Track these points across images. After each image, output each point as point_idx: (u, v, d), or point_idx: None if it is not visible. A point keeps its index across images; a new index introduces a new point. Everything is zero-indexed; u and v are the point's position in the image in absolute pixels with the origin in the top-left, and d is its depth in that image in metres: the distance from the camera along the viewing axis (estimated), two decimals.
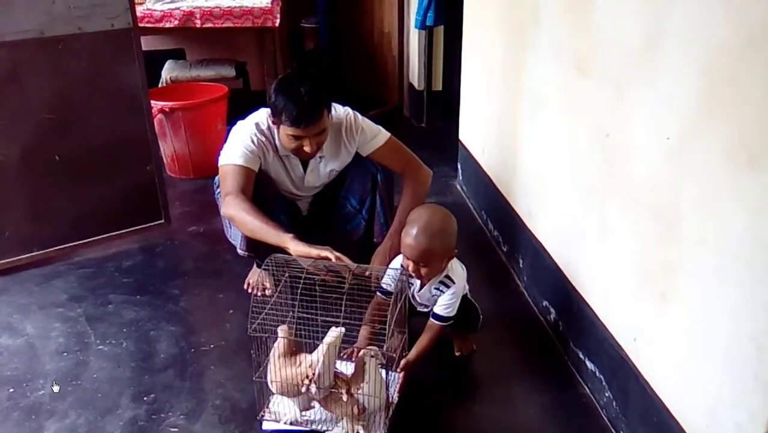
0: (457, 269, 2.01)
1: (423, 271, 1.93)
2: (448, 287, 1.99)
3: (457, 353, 2.16)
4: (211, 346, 2.20)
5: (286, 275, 1.87)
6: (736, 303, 1.32)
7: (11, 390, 2.01)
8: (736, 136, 1.28)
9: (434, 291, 2.01)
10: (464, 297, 2.07)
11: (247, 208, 2.09)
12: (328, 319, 1.82)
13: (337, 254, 1.89)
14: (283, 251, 1.96)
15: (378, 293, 2.02)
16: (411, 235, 1.89)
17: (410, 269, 1.93)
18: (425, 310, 2.06)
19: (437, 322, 2.00)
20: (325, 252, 1.89)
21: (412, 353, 1.98)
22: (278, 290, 1.87)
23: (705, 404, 1.45)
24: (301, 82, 2.13)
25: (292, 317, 1.84)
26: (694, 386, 1.48)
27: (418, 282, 2.02)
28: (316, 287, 1.89)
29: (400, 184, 2.43)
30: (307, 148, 2.17)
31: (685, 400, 1.52)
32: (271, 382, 1.78)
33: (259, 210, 2.08)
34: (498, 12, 2.72)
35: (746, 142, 1.26)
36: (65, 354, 2.17)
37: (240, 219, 2.11)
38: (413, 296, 2.06)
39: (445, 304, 1.99)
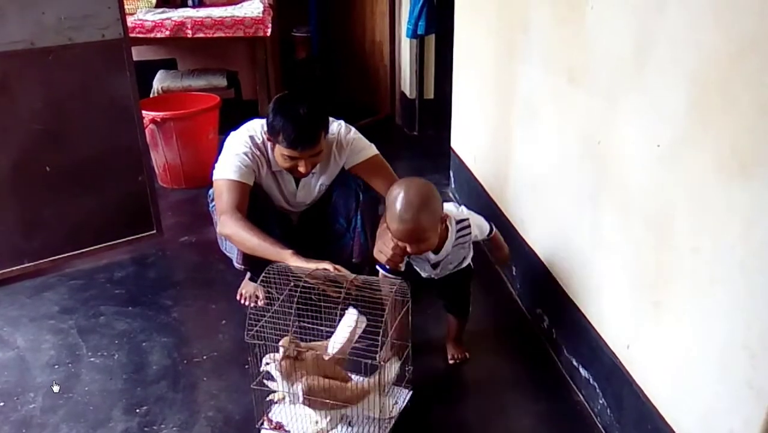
0: (451, 211, 1.97)
1: (421, 247, 1.85)
2: (466, 225, 1.98)
3: (450, 361, 2.15)
4: (204, 357, 2.19)
5: (291, 284, 1.86)
6: (729, 311, 1.32)
7: (1, 404, 1.99)
8: (727, 145, 1.29)
9: (458, 241, 1.96)
10: (466, 276, 2.09)
11: (243, 226, 2.07)
12: (323, 328, 1.81)
13: (337, 266, 1.89)
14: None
15: (379, 269, 1.98)
16: (395, 219, 1.79)
17: (408, 250, 1.86)
18: (450, 269, 2.03)
19: (493, 233, 2.06)
20: (325, 264, 1.89)
21: (502, 246, 2.10)
22: (281, 299, 1.86)
23: (699, 411, 1.45)
24: (300, 103, 2.11)
25: (289, 326, 1.82)
26: (688, 393, 1.49)
27: (430, 254, 1.96)
28: (313, 296, 1.89)
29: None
30: (301, 169, 2.16)
31: (680, 407, 1.52)
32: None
33: (255, 227, 2.07)
34: (489, 21, 2.73)
35: (737, 150, 1.26)
36: (56, 367, 2.15)
37: (238, 238, 2.10)
38: (428, 263, 2.00)
39: (478, 229, 2.01)
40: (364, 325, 1.79)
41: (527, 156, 2.38)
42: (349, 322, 1.79)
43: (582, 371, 1.98)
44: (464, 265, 2.07)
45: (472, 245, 2.06)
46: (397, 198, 1.80)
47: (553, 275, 2.18)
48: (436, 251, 1.96)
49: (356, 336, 1.79)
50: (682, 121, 1.43)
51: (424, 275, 2.05)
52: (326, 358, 1.79)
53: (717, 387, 1.38)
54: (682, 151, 1.44)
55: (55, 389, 2.05)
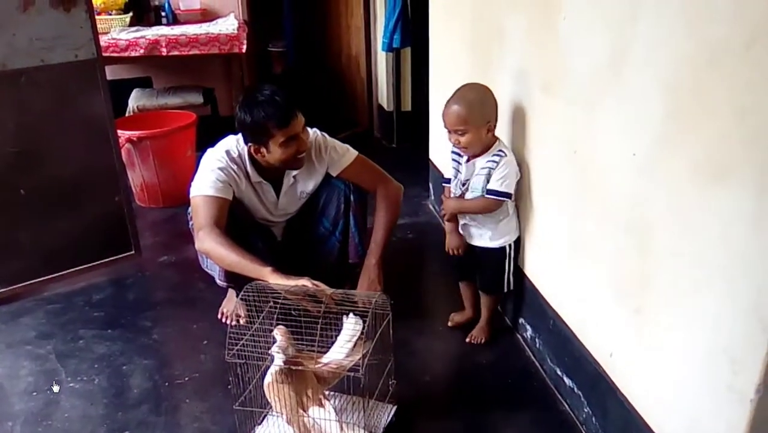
0: (508, 149, 2.10)
1: (462, 140, 2.02)
2: (500, 156, 2.05)
3: (467, 339, 2.27)
4: (186, 378, 2.16)
5: (270, 303, 1.84)
6: (710, 316, 1.33)
7: None
8: (702, 150, 1.30)
9: (488, 163, 2.06)
10: (501, 255, 2.18)
11: (222, 242, 2.05)
12: (303, 345, 1.80)
13: (315, 281, 1.88)
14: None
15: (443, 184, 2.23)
16: (447, 105, 2.03)
17: (452, 141, 2.05)
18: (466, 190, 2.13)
19: (492, 196, 2.07)
20: (303, 281, 1.88)
21: (460, 202, 2.14)
22: (261, 317, 1.84)
23: (683, 418, 1.45)
24: (263, 90, 2.14)
25: (269, 344, 1.81)
26: (672, 400, 1.49)
27: (463, 167, 2.12)
28: (292, 311, 1.87)
29: (373, 204, 2.43)
30: (303, 147, 2.18)
31: (664, 413, 1.53)
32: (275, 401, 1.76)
33: (234, 243, 2.05)
34: (463, 33, 2.75)
35: (712, 155, 1.28)
36: (35, 394, 2.11)
37: (216, 254, 2.08)
38: (462, 182, 2.13)
39: (500, 177, 2.05)
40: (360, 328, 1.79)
41: None
42: (352, 328, 1.79)
43: (566, 380, 1.98)
44: (499, 242, 2.17)
45: (513, 220, 2.18)
46: (458, 90, 2.07)
47: (534, 284, 2.18)
48: (471, 163, 2.09)
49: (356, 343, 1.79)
50: (658, 128, 1.45)
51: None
52: (329, 367, 1.78)
53: (700, 392, 1.39)
54: (659, 158, 1.46)
55: (55, 389, 2.07)
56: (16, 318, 2.52)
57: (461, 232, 2.20)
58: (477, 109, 2.00)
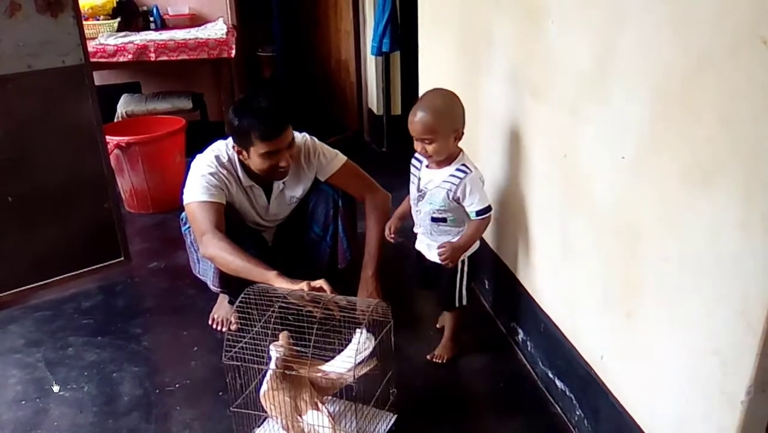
0: (471, 162, 2.02)
1: (429, 149, 1.93)
2: (464, 173, 1.96)
3: (428, 356, 2.19)
4: (177, 385, 2.15)
5: (275, 306, 1.83)
6: (699, 318, 1.33)
7: None
8: (689, 155, 1.31)
9: (450, 178, 1.97)
10: (453, 272, 2.08)
11: (226, 247, 2.06)
12: (300, 349, 1.79)
13: (315, 284, 1.87)
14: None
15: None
16: (414, 113, 1.92)
17: (419, 149, 1.97)
18: (424, 208, 2.04)
19: (479, 217, 2.00)
20: (302, 285, 1.87)
21: (460, 240, 2.02)
22: (262, 321, 1.83)
23: (674, 420, 1.46)
24: (260, 98, 2.14)
25: (266, 348, 1.80)
26: (663, 402, 1.50)
27: (424, 172, 2.04)
28: (289, 317, 1.86)
29: (361, 210, 2.43)
30: (282, 163, 2.16)
31: (655, 416, 1.53)
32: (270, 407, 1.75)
33: (238, 247, 2.05)
34: (452, 38, 2.76)
35: (699, 160, 1.28)
36: (23, 402, 2.09)
37: (222, 259, 2.07)
38: (418, 188, 2.06)
39: (474, 200, 1.98)
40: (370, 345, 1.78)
41: (494, 170, 2.39)
42: (362, 344, 1.77)
43: (558, 382, 1.99)
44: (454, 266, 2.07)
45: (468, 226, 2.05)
46: (424, 97, 1.99)
47: (525, 288, 2.19)
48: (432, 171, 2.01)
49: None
50: (645, 133, 1.45)
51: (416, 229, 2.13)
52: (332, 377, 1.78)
53: (690, 395, 1.39)
54: (646, 162, 1.46)
55: (55, 389, 2.08)
56: (5, 326, 2.50)
57: (419, 220, 2.10)
58: (445, 117, 1.92)
